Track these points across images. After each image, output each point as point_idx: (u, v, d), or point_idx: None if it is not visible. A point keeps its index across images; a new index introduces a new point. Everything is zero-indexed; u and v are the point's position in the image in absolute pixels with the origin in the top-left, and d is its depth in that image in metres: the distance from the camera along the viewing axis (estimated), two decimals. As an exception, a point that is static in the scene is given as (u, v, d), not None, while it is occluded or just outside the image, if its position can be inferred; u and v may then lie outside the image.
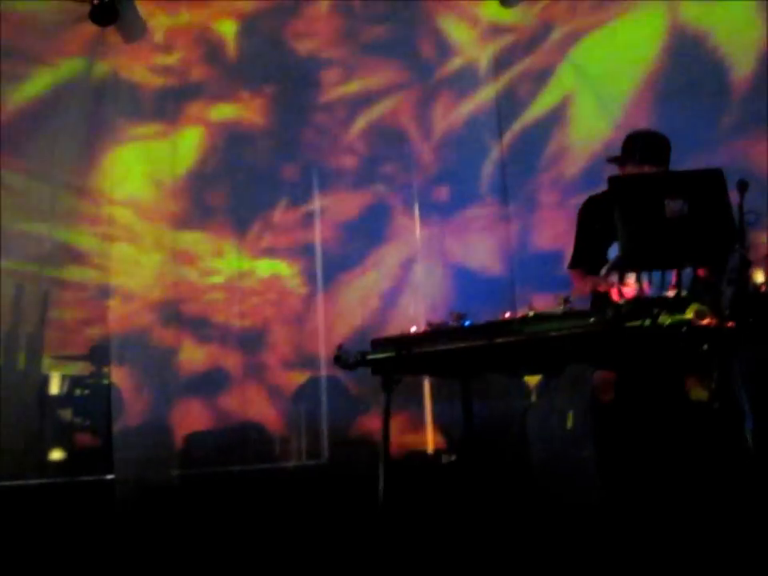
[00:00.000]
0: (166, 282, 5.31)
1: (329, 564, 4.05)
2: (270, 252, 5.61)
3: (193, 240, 5.55)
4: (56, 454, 5.10)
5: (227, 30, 5.60)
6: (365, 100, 5.62)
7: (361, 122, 5.60)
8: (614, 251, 3.93)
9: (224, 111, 5.63)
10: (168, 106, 5.49)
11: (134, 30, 5.36)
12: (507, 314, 3.49)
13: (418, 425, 4.93)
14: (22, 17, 5.15)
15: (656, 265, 3.34)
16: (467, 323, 3.46)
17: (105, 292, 5.30)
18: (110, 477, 4.88)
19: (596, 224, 3.99)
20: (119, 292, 5.28)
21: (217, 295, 5.52)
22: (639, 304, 3.05)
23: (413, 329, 3.62)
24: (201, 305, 5.49)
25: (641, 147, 3.88)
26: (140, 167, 5.47)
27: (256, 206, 5.66)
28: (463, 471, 4.32)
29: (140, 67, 5.45)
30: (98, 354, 5.20)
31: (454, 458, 4.51)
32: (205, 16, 5.53)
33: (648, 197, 3.13)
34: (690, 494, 3.47)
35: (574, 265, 4.07)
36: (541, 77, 5.35)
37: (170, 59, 5.51)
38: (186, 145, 5.59)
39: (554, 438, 4.53)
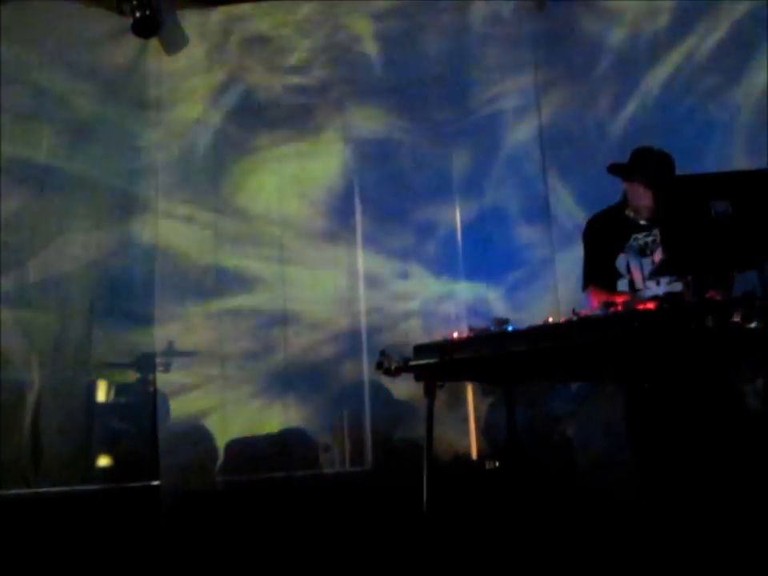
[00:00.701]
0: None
1: (373, 572, 4.05)
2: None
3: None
4: (103, 461, 5.16)
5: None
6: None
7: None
8: (621, 263, 3.96)
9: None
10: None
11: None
12: (550, 319, 3.47)
13: (461, 431, 4.90)
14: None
15: (700, 268, 3.30)
16: (510, 328, 3.45)
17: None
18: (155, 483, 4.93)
19: (601, 239, 4.05)
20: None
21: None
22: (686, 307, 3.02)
23: (455, 334, 3.61)
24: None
25: (633, 163, 3.95)
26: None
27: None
28: (507, 477, 4.30)
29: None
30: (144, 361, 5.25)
31: (497, 464, 4.48)
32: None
33: (693, 198, 3.09)
34: (730, 498, 3.43)
35: (589, 282, 4.07)
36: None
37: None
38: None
39: (597, 444, 4.49)
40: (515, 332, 3.40)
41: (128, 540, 4.58)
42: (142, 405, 5.14)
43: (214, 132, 5.52)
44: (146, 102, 5.45)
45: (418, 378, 3.61)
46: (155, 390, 5.04)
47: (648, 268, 3.89)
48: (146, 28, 5.36)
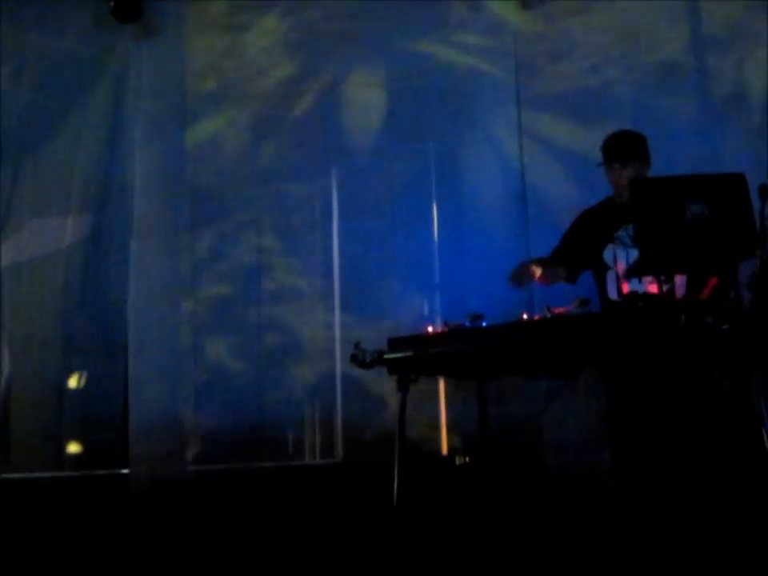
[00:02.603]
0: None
1: (340, 563, 4.06)
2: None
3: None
4: (73, 448, 5.13)
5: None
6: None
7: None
8: (609, 254, 3.99)
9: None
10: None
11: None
12: (525, 316, 3.50)
13: (432, 425, 4.92)
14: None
15: (675, 268, 3.33)
16: (484, 324, 3.47)
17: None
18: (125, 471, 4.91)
19: (590, 229, 4.10)
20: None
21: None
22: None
23: (430, 329, 3.63)
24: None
25: (610, 147, 4.03)
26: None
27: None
28: (476, 473, 4.32)
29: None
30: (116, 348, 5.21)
31: (467, 459, 4.49)
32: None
33: (669, 200, 3.12)
34: (707, 498, 3.46)
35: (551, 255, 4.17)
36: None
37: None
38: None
39: (569, 442, 4.52)
40: (489, 327, 3.43)
41: (96, 528, 4.57)
42: (113, 392, 5.11)
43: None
44: (125, 86, 5.40)
45: (391, 372, 3.63)
46: (127, 378, 5.01)
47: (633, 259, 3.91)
48: (126, 13, 5.31)
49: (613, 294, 3.97)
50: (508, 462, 4.33)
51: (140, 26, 5.38)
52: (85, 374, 5.23)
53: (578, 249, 4.13)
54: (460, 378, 4.54)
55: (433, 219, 5.22)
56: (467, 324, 3.48)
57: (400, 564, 3.53)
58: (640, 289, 3.81)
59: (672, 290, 3.65)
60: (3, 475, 4.91)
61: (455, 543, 3.95)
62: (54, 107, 5.41)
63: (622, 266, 3.97)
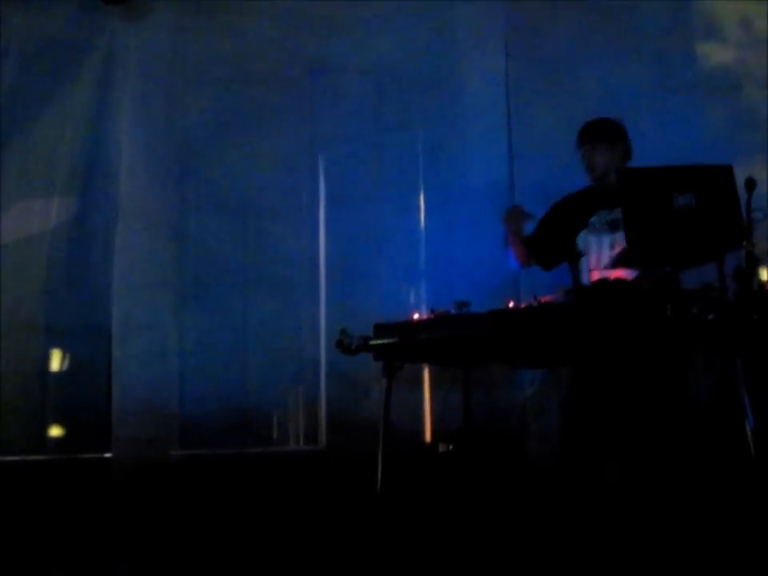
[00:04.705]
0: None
1: (324, 549, 4.07)
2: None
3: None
4: (55, 431, 5.11)
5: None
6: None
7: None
8: (582, 241, 4.02)
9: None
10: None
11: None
12: (511, 304, 3.51)
13: (416, 413, 4.92)
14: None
15: (661, 259, 3.34)
16: (470, 311, 3.48)
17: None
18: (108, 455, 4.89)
19: (565, 215, 4.19)
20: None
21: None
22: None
23: (415, 315, 3.64)
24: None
25: (582, 130, 4.18)
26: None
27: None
28: (460, 461, 4.33)
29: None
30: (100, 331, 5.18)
31: (451, 447, 4.51)
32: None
33: (657, 190, 3.13)
34: (685, 494, 3.49)
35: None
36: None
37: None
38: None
39: (551, 430, 4.54)
40: (475, 315, 3.44)
41: (78, 512, 4.56)
42: (96, 375, 5.09)
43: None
44: (113, 68, 5.36)
45: (377, 358, 3.64)
46: (111, 361, 4.98)
47: (606, 246, 3.93)
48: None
49: (586, 281, 4.00)
50: (491, 449, 4.34)
51: (127, 7, 5.33)
52: (68, 356, 5.20)
53: (551, 236, 4.17)
54: (445, 365, 4.56)
55: (420, 207, 5.22)
56: (453, 311, 3.49)
57: (383, 551, 3.54)
58: (608, 274, 3.85)
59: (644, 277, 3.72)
60: (-14, 458, 4.90)
61: (438, 530, 3.96)
62: (39, 89, 5.35)
63: (594, 253, 3.99)
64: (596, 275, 3.91)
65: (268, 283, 5.25)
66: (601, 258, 3.96)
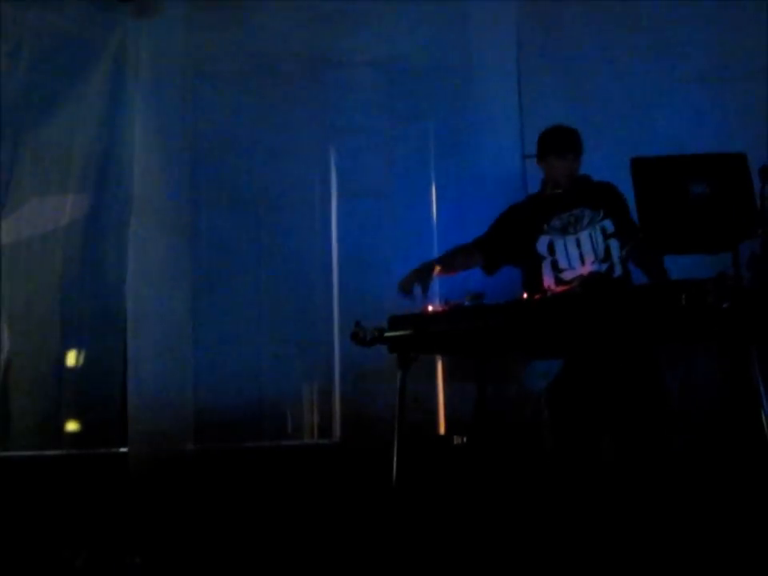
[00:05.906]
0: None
1: (339, 542, 4.08)
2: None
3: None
4: (72, 426, 5.14)
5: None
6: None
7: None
8: (542, 245, 4.10)
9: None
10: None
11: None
12: (525, 295, 3.51)
13: (430, 405, 4.93)
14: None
15: (676, 247, 3.34)
16: (484, 303, 3.48)
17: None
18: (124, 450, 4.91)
19: (519, 222, 4.23)
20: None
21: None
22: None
23: (430, 307, 3.64)
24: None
25: (546, 140, 4.23)
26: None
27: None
28: (474, 453, 4.33)
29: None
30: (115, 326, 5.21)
31: (465, 439, 4.51)
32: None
33: (671, 179, 3.13)
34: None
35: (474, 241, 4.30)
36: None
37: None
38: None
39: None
40: (490, 306, 3.44)
41: (95, 506, 4.59)
42: (112, 371, 5.11)
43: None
44: (125, 64, 5.37)
45: (392, 350, 3.64)
46: (126, 356, 5.00)
47: (572, 246, 4.03)
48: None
49: (549, 282, 4.03)
50: (505, 441, 4.34)
51: (139, 3, 5.36)
52: (84, 352, 5.23)
53: (501, 242, 4.25)
54: (460, 357, 4.56)
55: (432, 199, 5.22)
56: (467, 303, 3.49)
57: (399, 544, 3.55)
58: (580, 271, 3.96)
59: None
60: (2, 453, 4.93)
61: (453, 523, 3.97)
62: (53, 86, 5.38)
63: (560, 255, 4.06)
64: (569, 274, 3.99)
65: (281, 277, 5.26)
66: (570, 258, 4.04)
